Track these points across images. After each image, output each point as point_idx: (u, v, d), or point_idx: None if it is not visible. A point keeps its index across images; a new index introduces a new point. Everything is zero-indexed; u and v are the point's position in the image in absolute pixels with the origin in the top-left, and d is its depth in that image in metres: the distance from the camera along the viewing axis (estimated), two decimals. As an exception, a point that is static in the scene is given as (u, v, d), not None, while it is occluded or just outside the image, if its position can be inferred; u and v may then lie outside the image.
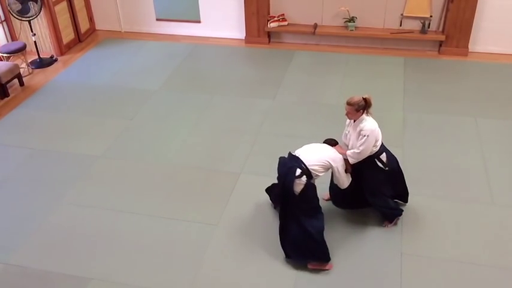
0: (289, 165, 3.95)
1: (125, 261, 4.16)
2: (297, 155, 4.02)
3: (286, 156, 4.14)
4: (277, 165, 4.12)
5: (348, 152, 4.07)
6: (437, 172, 5.05)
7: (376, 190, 4.21)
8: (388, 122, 5.64)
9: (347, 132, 4.18)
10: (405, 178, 4.45)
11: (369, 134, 3.94)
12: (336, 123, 5.64)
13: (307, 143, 5.41)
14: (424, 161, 5.21)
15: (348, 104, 3.97)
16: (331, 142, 4.17)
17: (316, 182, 4.62)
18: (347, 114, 4.06)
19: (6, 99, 6.71)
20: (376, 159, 4.13)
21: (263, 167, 5.20)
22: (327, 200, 4.62)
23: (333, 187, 4.42)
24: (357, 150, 4.00)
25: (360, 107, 3.94)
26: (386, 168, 4.18)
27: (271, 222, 4.48)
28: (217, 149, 5.52)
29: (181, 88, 6.82)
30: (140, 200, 4.82)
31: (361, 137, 3.97)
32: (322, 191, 4.70)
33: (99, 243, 4.34)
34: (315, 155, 3.98)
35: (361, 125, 3.97)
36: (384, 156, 4.16)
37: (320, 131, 5.66)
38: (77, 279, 4.00)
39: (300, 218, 3.96)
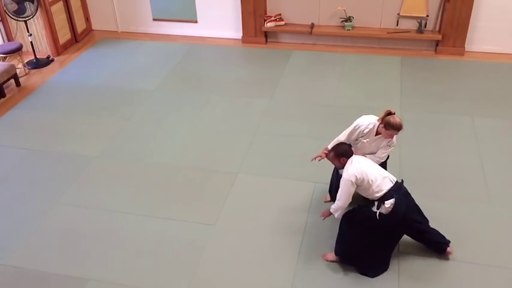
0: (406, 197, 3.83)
1: (122, 261, 4.16)
2: (391, 177, 3.79)
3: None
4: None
5: None
6: (434, 171, 5.06)
7: None
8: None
9: (365, 140, 4.08)
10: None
11: (394, 144, 4.10)
12: (333, 123, 5.65)
13: (305, 143, 5.46)
14: (421, 160, 5.22)
15: (401, 129, 3.92)
16: (348, 148, 3.93)
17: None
18: (391, 137, 4.00)
19: (2, 99, 6.69)
20: None
21: (261, 166, 5.19)
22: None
23: (333, 189, 4.42)
24: (382, 160, 4.10)
25: None
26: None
27: (269, 222, 4.48)
28: (214, 149, 5.52)
29: (178, 88, 6.82)
30: (137, 201, 4.81)
31: (387, 146, 4.06)
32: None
33: (96, 244, 4.33)
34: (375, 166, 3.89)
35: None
36: None
37: (317, 131, 5.67)
38: (74, 280, 3.99)
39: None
